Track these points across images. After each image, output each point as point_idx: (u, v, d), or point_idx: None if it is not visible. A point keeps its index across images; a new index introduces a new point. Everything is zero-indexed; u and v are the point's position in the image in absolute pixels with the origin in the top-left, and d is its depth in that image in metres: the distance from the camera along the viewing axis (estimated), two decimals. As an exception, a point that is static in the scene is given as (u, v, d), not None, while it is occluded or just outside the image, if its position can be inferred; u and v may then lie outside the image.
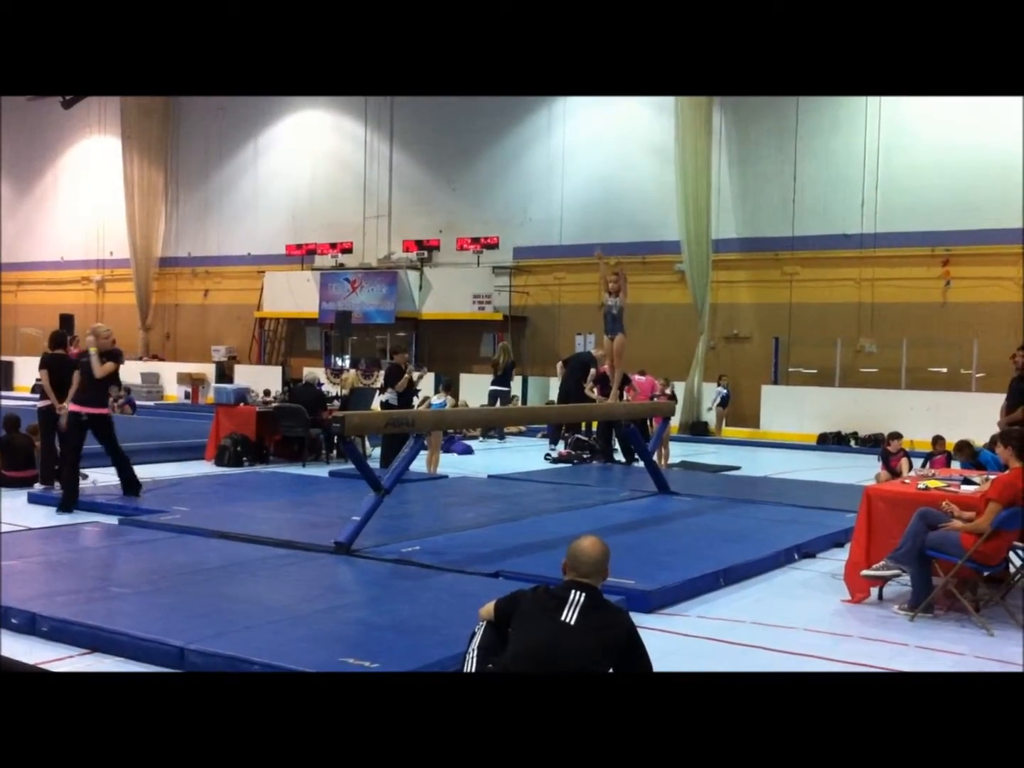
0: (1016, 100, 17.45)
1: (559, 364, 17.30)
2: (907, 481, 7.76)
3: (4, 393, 24.11)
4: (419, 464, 13.22)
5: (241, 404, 14.52)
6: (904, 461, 11.57)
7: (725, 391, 20.29)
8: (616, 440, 15.05)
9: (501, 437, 18.72)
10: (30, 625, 5.62)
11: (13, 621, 5.67)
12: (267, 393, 17.00)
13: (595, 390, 14.57)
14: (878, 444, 16.70)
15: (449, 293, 24.06)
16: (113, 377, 9.81)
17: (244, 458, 13.44)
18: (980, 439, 10.68)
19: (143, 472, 12.18)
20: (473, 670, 3.94)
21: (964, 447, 10.40)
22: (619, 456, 15.08)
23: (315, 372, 15.95)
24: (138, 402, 22.78)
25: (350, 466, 10.39)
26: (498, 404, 17.87)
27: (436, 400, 15.92)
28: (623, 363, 11.36)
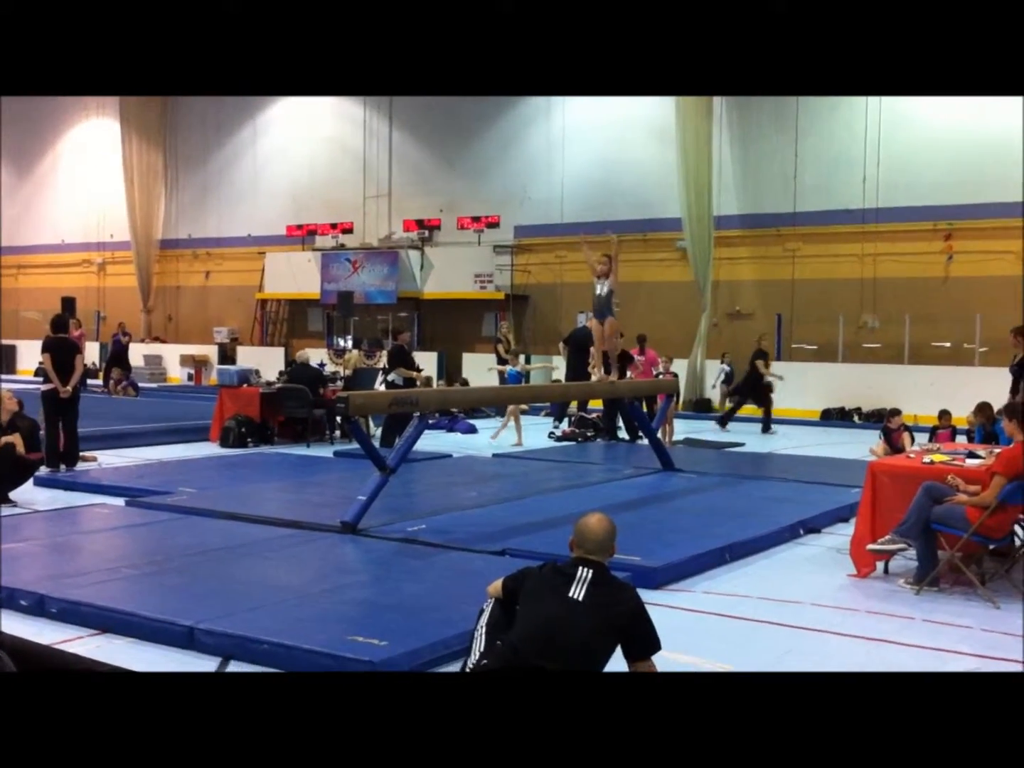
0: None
1: (561, 343, 17.28)
2: (911, 455, 7.77)
3: (6, 377, 24.15)
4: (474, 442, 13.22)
5: (244, 385, 14.53)
6: (906, 436, 11.56)
7: (729, 368, 20.28)
8: (620, 417, 15.06)
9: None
10: (39, 607, 5.64)
11: (22, 603, 5.69)
12: (281, 374, 16.97)
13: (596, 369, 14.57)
14: (882, 419, 16.70)
15: (450, 272, 24.02)
16: None
17: (249, 439, 13.46)
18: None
19: (148, 454, 12.25)
20: (482, 648, 3.95)
21: (985, 407, 10.30)
22: (623, 434, 15.08)
23: (306, 352, 15.71)
24: (141, 384, 22.82)
25: (355, 446, 10.40)
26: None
27: (511, 368, 16.06)
28: (616, 345, 11.30)
